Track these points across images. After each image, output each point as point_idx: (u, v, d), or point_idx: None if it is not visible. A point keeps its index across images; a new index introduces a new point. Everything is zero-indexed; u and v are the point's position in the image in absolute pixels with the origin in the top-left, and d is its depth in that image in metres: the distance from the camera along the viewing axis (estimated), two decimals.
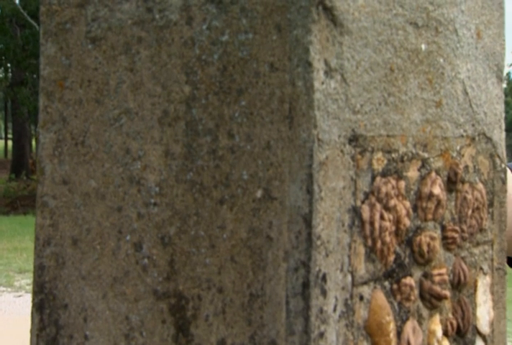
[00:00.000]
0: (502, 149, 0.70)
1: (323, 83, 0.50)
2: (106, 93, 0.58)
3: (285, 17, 0.50)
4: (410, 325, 0.57)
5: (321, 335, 0.49)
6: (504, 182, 0.71)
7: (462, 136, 0.64)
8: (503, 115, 0.70)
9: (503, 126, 0.71)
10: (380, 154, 0.55)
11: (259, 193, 0.50)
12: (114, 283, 0.57)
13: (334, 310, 0.50)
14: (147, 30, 0.56)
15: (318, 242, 0.49)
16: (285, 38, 0.50)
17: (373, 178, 0.54)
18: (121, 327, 0.56)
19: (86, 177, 0.59)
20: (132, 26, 0.57)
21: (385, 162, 0.55)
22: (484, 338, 0.67)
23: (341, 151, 0.51)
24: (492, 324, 0.68)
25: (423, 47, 0.59)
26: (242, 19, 0.52)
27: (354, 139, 0.52)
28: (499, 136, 0.70)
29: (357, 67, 0.53)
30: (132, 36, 0.57)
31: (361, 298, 0.53)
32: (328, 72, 0.50)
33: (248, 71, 0.51)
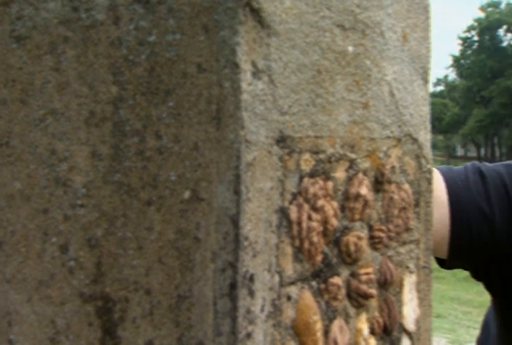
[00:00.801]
0: (427, 150, 0.72)
1: (250, 84, 0.50)
2: (31, 93, 0.57)
3: (212, 18, 0.50)
4: (337, 325, 0.57)
5: (249, 335, 0.49)
6: (430, 182, 0.72)
7: (389, 137, 0.65)
8: (429, 116, 0.72)
9: (429, 128, 0.72)
10: (307, 155, 0.55)
11: (186, 194, 0.50)
12: (40, 286, 0.56)
13: (262, 310, 0.50)
14: (73, 30, 0.55)
15: (246, 243, 0.49)
16: (213, 39, 0.50)
17: (301, 179, 0.55)
18: (46, 330, 0.55)
19: (11, 179, 0.58)
20: (58, 26, 0.56)
21: (313, 162, 0.56)
22: (410, 335, 0.68)
23: (269, 152, 0.51)
24: (418, 322, 0.69)
25: (350, 49, 0.60)
26: (170, 20, 0.51)
27: (281, 140, 0.53)
28: (425, 137, 0.71)
29: (284, 68, 0.53)
30: (58, 35, 0.56)
31: (288, 298, 0.53)
32: (256, 73, 0.50)
33: (176, 72, 0.51)
